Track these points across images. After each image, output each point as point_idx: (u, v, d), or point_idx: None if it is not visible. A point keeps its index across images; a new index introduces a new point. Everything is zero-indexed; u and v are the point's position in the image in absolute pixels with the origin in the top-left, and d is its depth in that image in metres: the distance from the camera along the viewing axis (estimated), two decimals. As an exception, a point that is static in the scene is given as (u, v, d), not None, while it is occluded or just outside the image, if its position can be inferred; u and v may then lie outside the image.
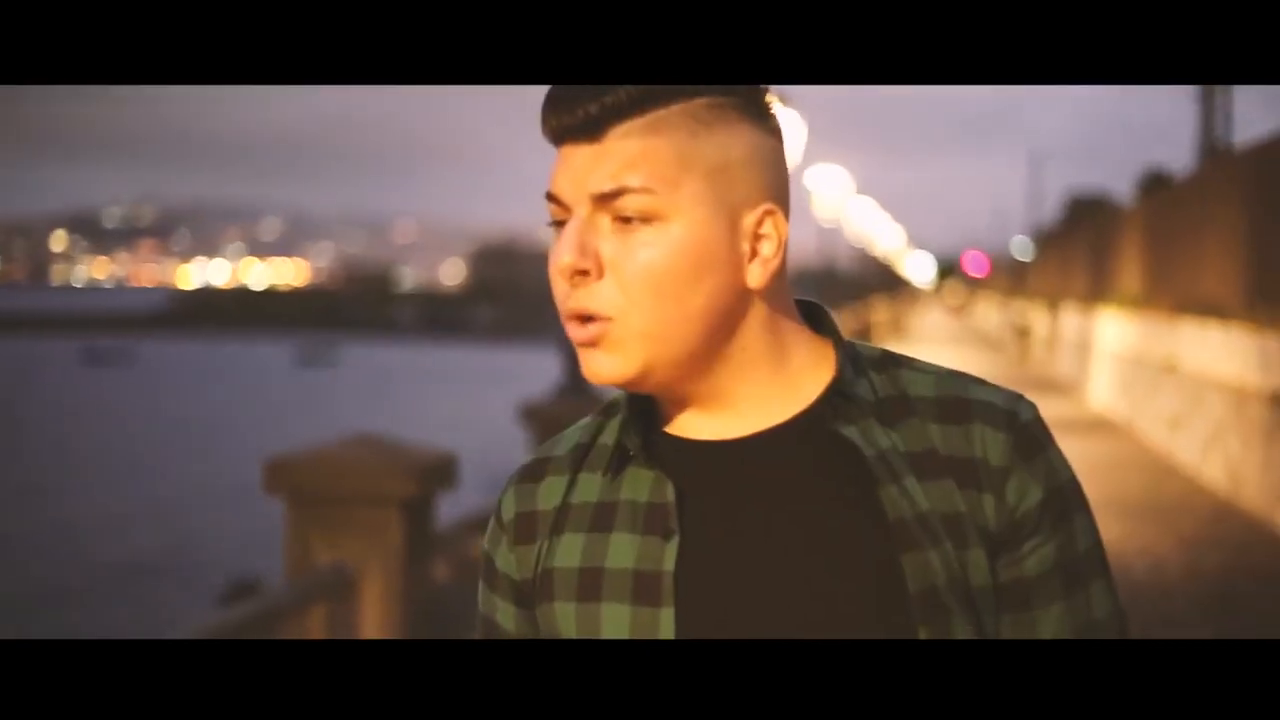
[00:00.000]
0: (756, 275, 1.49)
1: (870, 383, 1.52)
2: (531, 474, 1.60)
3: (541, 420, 9.26)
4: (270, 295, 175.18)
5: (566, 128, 1.48)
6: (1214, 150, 24.84)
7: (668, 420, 1.55)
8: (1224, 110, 26.37)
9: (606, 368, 1.47)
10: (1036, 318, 39.24)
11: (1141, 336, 21.15)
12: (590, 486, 1.56)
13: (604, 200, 1.46)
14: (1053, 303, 35.33)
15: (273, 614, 4.81)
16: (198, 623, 4.60)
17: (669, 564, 1.48)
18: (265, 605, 4.84)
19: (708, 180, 1.46)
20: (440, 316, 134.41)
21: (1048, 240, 52.74)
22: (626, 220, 1.46)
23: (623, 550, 1.51)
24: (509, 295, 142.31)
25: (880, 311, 48.21)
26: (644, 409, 1.56)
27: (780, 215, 1.50)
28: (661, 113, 1.47)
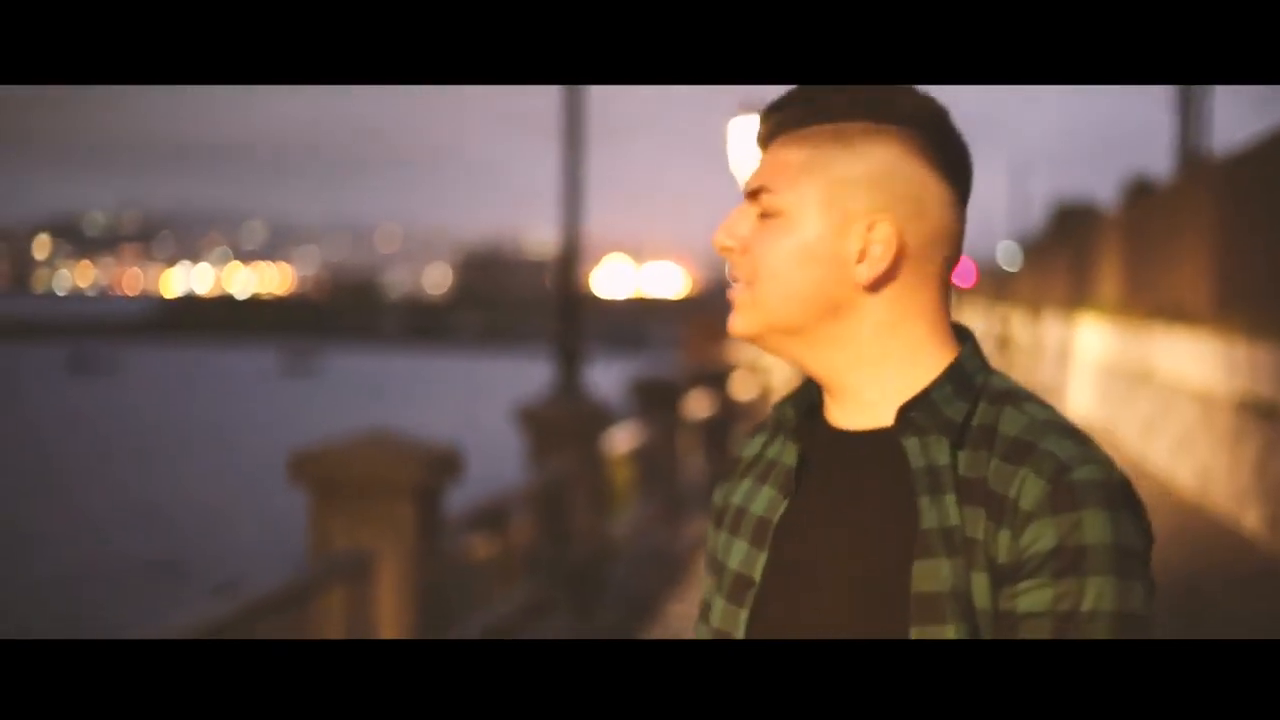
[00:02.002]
0: (863, 274, 1.71)
1: (971, 409, 1.71)
2: (752, 431, 1.94)
3: (536, 422, 9.34)
4: (254, 303, 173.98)
5: (759, 138, 1.80)
6: (1192, 157, 25.08)
7: (824, 405, 1.81)
8: (1201, 116, 26.61)
9: (736, 324, 1.78)
10: (1020, 325, 39.32)
11: (1118, 343, 21.43)
12: (775, 446, 1.86)
13: (752, 197, 1.77)
14: (1035, 310, 35.47)
15: (295, 594, 5.17)
16: (223, 601, 4.93)
17: (776, 516, 1.78)
18: (289, 585, 5.20)
19: (827, 188, 1.72)
20: (426, 324, 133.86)
21: (1033, 247, 52.67)
22: (764, 215, 1.75)
23: (762, 499, 1.82)
24: (495, 302, 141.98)
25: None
26: (814, 394, 1.83)
27: (889, 226, 1.71)
28: (814, 129, 1.74)
